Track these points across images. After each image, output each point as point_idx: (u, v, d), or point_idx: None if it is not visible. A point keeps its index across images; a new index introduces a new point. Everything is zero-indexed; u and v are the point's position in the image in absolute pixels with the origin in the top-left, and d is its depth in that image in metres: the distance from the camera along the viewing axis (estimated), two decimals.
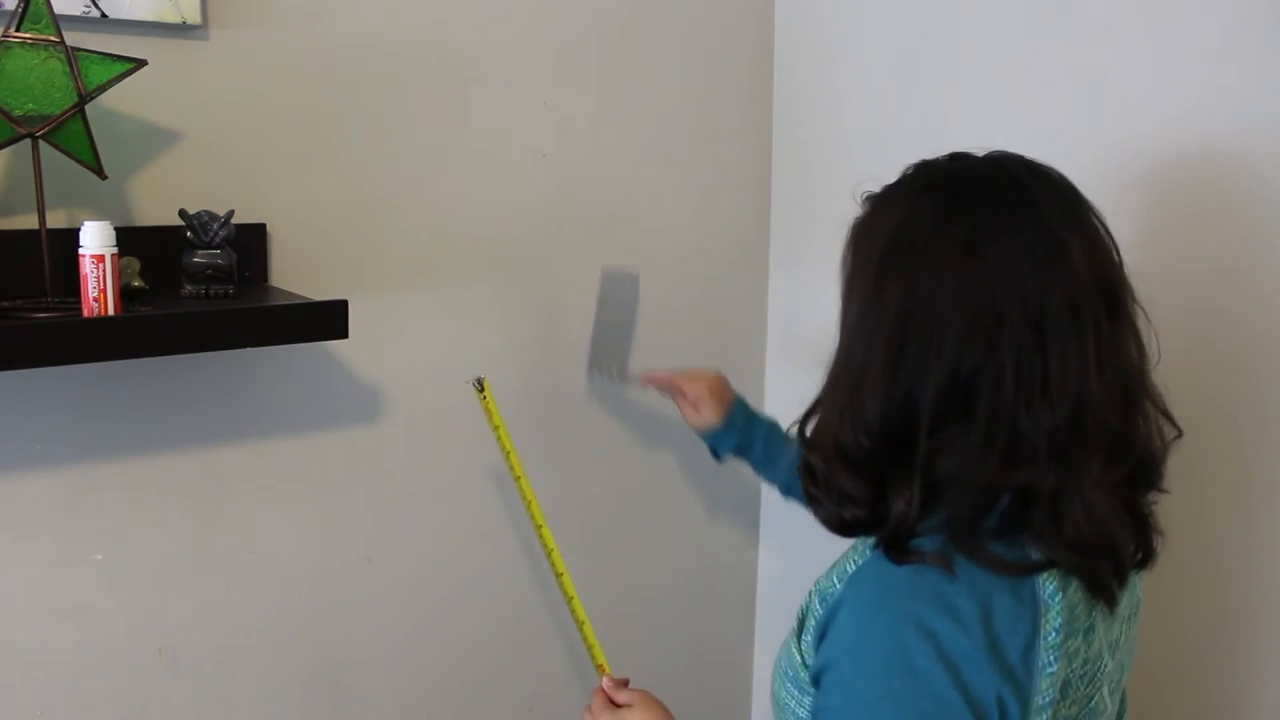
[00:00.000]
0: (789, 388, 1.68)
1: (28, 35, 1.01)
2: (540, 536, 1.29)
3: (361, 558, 1.40)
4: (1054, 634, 0.75)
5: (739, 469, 1.46)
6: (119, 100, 1.13)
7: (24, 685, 1.19)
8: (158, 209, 1.19)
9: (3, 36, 1.00)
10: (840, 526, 0.83)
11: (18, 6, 1.01)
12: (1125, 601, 0.83)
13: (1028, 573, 0.75)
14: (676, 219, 1.62)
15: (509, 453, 1.29)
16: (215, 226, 1.14)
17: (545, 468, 1.50)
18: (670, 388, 1.41)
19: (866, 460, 0.79)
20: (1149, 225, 1.22)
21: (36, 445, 1.17)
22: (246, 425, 1.29)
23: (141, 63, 1.07)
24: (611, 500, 1.63)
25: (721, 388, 1.38)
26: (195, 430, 1.26)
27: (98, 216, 1.08)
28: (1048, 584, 0.76)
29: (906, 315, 0.76)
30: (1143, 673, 0.97)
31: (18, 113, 1.02)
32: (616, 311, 1.50)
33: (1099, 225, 0.80)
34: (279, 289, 1.26)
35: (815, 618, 0.81)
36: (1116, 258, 0.80)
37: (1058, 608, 0.75)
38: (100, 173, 1.07)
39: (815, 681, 0.80)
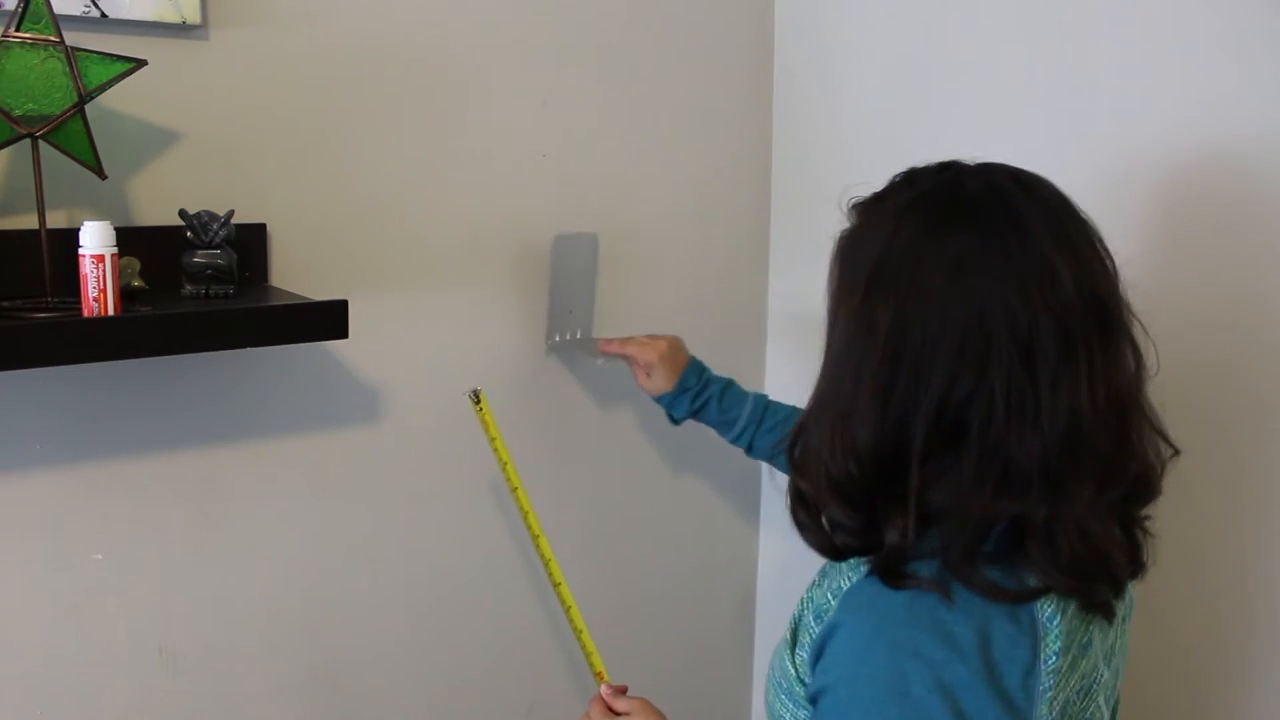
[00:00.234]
0: (789, 388, 1.68)
1: (28, 35, 1.01)
2: (538, 547, 1.29)
3: (362, 558, 1.40)
4: (1054, 658, 0.75)
5: (739, 470, 1.46)
6: (119, 100, 1.13)
7: (24, 685, 1.19)
8: (158, 209, 1.19)
9: (3, 36, 1.00)
10: (832, 553, 0.82)
11: (18, 6, 1.01)
12: (1118, 606, 0.83)
13: (1025, 600, 0.75)
14: (676, 219, 1.62)
15: (506, 464, 1.30)
16: (215, 226, 1.14)
17: (543, 468, 1.50)
18: (623, 354, 1.41)
19: (857, 489, 0.78)
20: (1149, 225, 1.22)
21: (36, 445, 1.17)
22: (246, 425, 1.29)
23: (141, 63, 1.07)
24: (611, 497, 1.63)
25: (675, 352, 1.39)
26: (195, 430, 1.26)
27: (98, 216, 1.08)
28: (1045, 607, 0.75)
29: (896, 342, 0.75)
30: (1137, 678, 0.97)
31: (18, 113, 1.02)
32: (573, 277, 1.48)
33: (1091, 241, 0.78)
34: (279, 289, 1.26)
35: (810, 634, 0.80)
36: (1110, 274, 0.78)
37: (1056, 631, 0.75)
38: (100, 173, 1.07)
39: (813, 701, 0.79)
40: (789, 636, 0.84)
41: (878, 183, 0.84)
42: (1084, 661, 0.78)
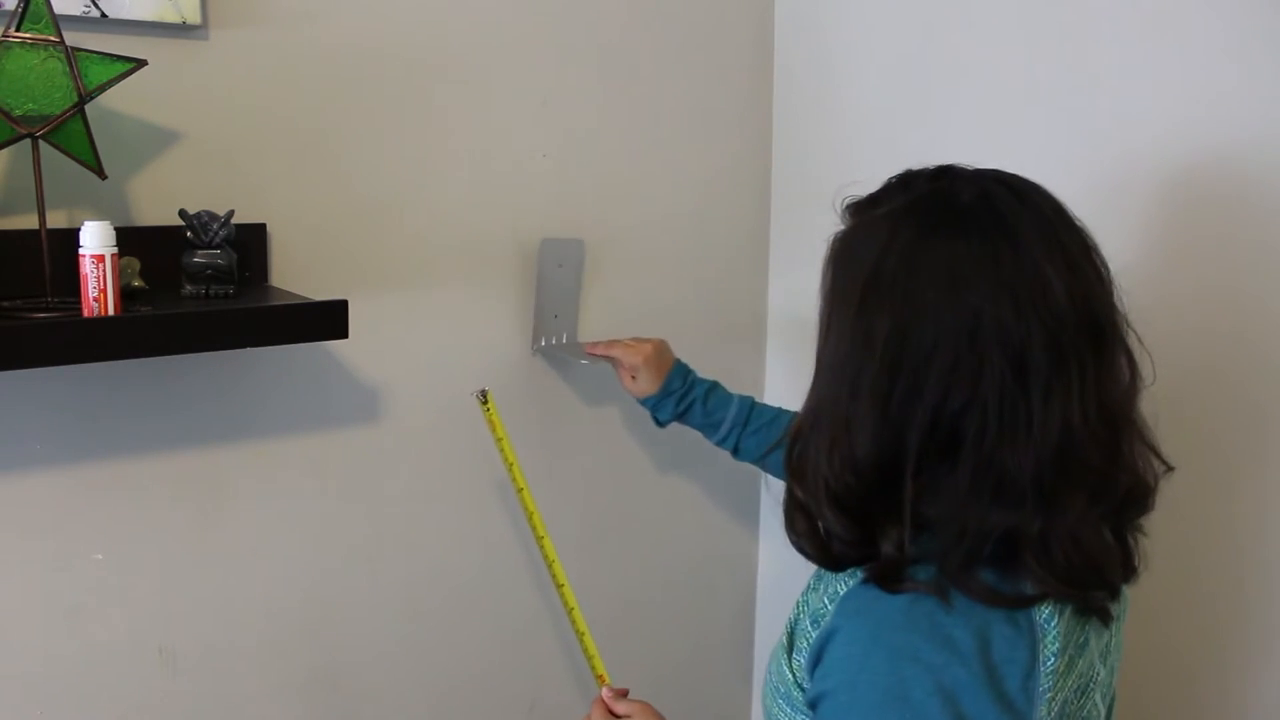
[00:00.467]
0: (788, 389, 1.68)
1: (28, 35, 1.01)
2: (542, 548, 1.29)
3: (362, 558, 1.40)
4: (1052, 659, 0.75)
5: (739, 471, 1.46)
6: (119, 100, 1.13)
7: (24, 685, 1.19)
8: (158, 209, 1.19)
9: (3, 36, 1.00)
10: (828, 562, 0.82)
11: (18, 6, 1.01)
12: (1114, 609, 0.83)
13: (1022, 606, 0.75)
14: (676, 219, 1.62)
15: (512, 465, 1.29)
16: (215, 226, 1.14)
17: (544, 468, 1.50)
18: (608, 357, 1.41)
19: (854, 500, 0.78)
20: (1149, 226, 1.22)
21: (36, 445, 1.17)
22: (246, 425, 1.29)
23: (141, 63, 1.07)
24: (610, 498, 1.63)
25: (659, 355, 1.39)
26: (195, 430, 1.26)
27: (98, 216, 1.08)
28: (1043, 609, 0.76)
29: (893, 353, 0.75)
30: (1134, 679, 0.97)
31: (18, 113, 1.02)
32: (559, 282, 1.49)
33: (1086, 250, 0.78)
34: (279, 289, 1.26)
35: (807, 639, 0.80)
36: (1104, 283, 0.78)
37: (1054, 632, 0.75)
38: (100, 173, 1.07)
39: (812, 706, 0.79)
40: (785, 641, 0.84)
41: (876, 183, 0.84)
42: (1081, 661, 0.78)
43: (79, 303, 1.04)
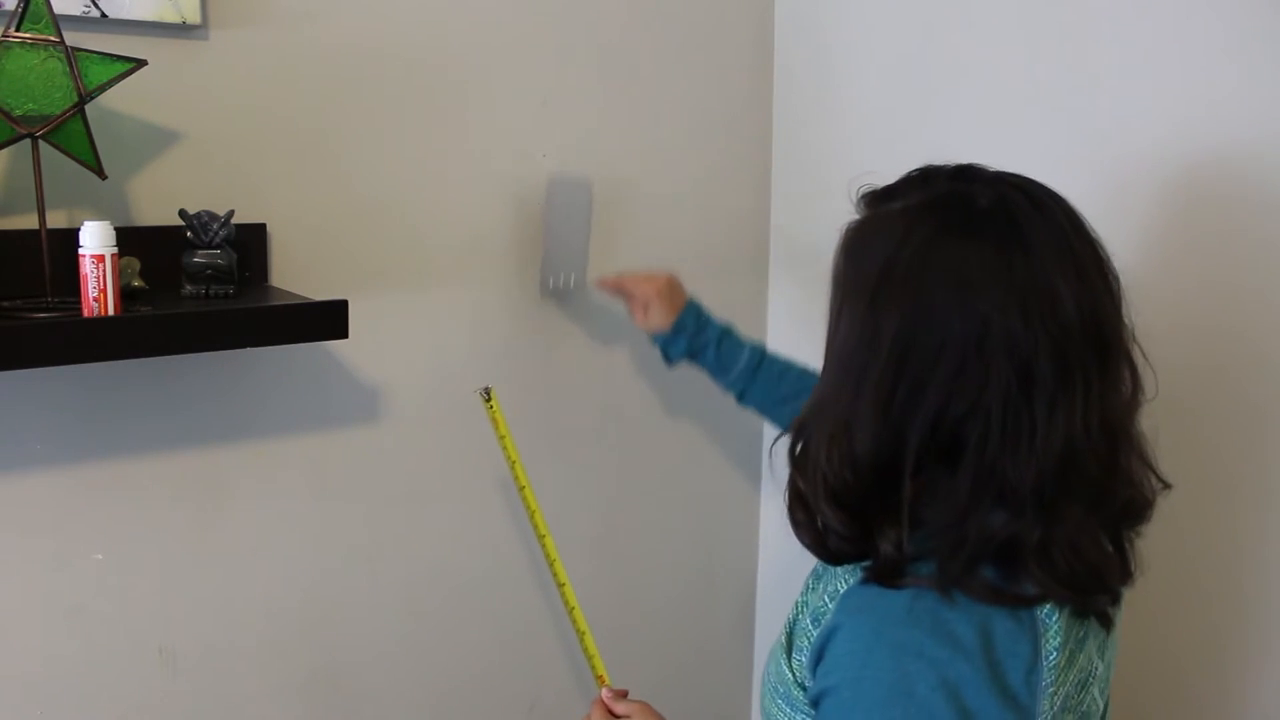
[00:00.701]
0: None
1: (28, 35, 1.01)
2: (543, 547, 1.29)
3: (362, 558, 1.40)
4: (1054, 654, 0.75)
5: (740, 471, 1.46)
6: (119, 100, 1.13)
7: (24, 685, 1.19)
8: (158, 209, 1.19)
9: (3, 36, 1.00)
10: (826, 556, 0.82)
11: (18, 6, 1.01)
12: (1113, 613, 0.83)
13: (1024, 605, 0.75)
14: (676, 219, 1.62)
15: (514, 463, 1.29)
16: (215, 226, 1.14)
17: (546, 468, 1.50)
18: (620, 290, 1.40)
19: (852, 497, 0.78)
20: (1149, 226, 1.22)
21: (36, 445, 1.17)
22: (246, 425, 1.29)
23: (141, 63, 1.07)
24: (611, 498, 1.63)
25: (672, 290, 1.38)
26: (195, 430, 1.26)
27: (98, 216, 1.08)
28: (1043, 604, 0.76)
29: (899, 353, 0.75)
30: (1132, 679, 0.97)
31: (18, 113, 1.02)
32: (569, 218, 1.48)
33: (1098, 262, 0.77)
34: (279, 289, 1.26)
35: (808, 638, 0.80)
36: (1113, 296, 0.78)
37: (1056, 627, 0.75)
38: (100, 173, 1.07)
39: (815, 703, 0.79)
40: (784, 641, 0.84)
41: (879, 181, 0.84)
42: (1081, 655, 0.79)
43: (79, 303, 1.04)
